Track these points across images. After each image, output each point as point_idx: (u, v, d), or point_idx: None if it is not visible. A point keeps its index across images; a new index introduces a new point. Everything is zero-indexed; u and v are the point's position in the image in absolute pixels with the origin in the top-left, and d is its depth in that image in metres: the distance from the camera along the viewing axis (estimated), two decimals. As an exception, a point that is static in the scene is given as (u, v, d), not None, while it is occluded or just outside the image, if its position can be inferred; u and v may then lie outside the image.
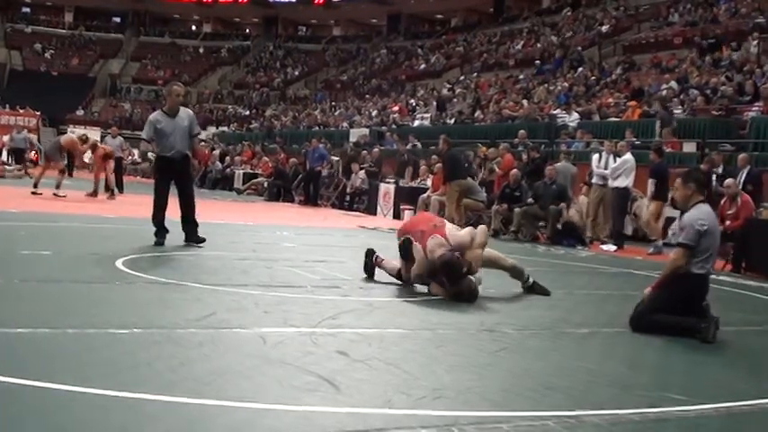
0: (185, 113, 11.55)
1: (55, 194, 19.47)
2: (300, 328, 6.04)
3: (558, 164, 19.17)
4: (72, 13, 70.43)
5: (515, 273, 8.79)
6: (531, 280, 8.79)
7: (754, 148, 19.64)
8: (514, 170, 19.14)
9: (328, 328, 6.13)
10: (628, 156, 17.34)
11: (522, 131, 25.25)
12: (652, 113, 24.22)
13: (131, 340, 5.28)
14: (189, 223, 11.42)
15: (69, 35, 68.86)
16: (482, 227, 8.63)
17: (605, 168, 17.71)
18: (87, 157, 24.21)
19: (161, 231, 11.19)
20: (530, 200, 17.78)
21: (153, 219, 11.24)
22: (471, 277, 8.00)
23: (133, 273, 8.24)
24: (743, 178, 15.69)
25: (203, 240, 11.31)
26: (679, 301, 7.28)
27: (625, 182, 17.12)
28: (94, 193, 20.85)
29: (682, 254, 7.30)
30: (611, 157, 17.75)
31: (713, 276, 12.73)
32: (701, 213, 7.35)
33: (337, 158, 28.08)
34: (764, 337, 7.76)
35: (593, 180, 18.01)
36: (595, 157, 18.34)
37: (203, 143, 42.85)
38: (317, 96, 56.29)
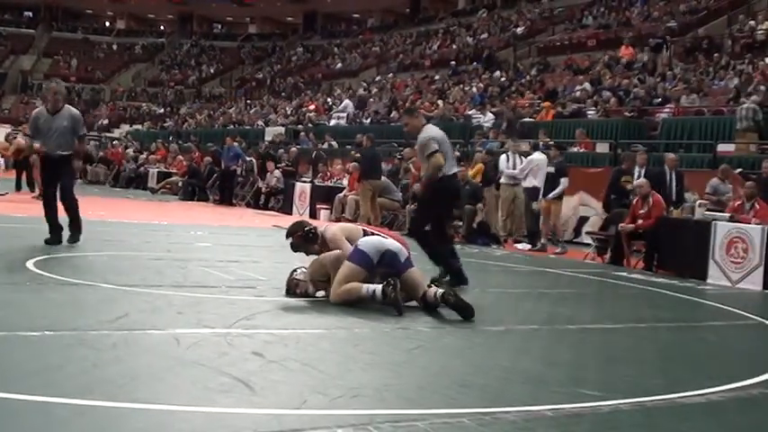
0: (68, 113, 11.28)
1: None
2: (215, 329, 5.98)
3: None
4: (-18, 7, 68.96)
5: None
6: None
7: (665, 149, 20.04)
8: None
9: (243, 329, 6.08)
10: (534, 155, 17.57)
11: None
12: (566, 114, 24.60)
13: (42, 343, 5.17)
14: (70, 223, 11.22)
15: (-22, 30, 67.39)
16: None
17: (513, 168, 17.93)
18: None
19: (52, 229, 10.95)
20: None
21: (44, 217, 11.05)
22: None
23: (44, 273, 8.08)
24: (673, 180, 15.95)
25: (77, 241, 11.07)
26: (445, 199, 10.03)
27: (533, 181, 17.29)
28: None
29: (439, 156, 9.56)
30: (518, 157, 17.98)
31: (626, 275, 13.00)
32: (431, 130, 10.02)
33: (250, 158, 27.83)
34: (676, 333, 7.90)
35: (503, 180, 18.20)
36: (503, 157, 18.52)
37: (116, 141, 42.29)
38: (237, 92, 55.95)
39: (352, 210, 19.87)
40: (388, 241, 7.83)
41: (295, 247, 8.06)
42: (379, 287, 7.31)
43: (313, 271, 7.88)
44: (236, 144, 26.76)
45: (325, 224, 8.48)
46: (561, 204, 17.16)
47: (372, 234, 8.12)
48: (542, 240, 16.89)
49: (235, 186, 26.33)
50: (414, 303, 7.74)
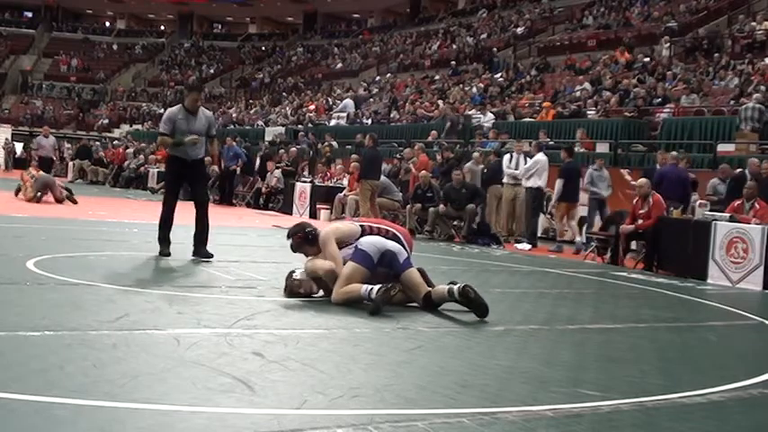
0: None
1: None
2: (215, 329, 5.98)
3: (469, 163, 19.32)
4: (-18, 7, 68.94)
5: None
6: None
7: (665, 149, 20.05)
8: (423, 171, 19.27)
9: (243, 329, 6.08)
10: (539, 156, 17.60)
11: (433, 131, 25.55)
12: (566, 114, 24.62)
13: (42, 343, 5.17)
14: None
15: (-21, 30, 67.37)
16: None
17: (516, 168, 17.96)
18: None
19: None
20: (441, 206, 17.80)
21: None
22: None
23: (44, 273, 8.08)
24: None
25: None
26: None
27: (538, 182, 17.33)
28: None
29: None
30: (522, 157, 17.99)
31: (626, 275, 13.00)
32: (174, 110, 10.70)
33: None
34: (675, 333, 7.89)
35: (504, 180, 18.22)
36: (506, 157, 18.55)
37: (116, 141, 42.29)
38: (242, 91, 56.00)
39: (352, 210, 19.87)
40: (388, 241, 7.83)
41: (294, 248, 8.10)
42: (375, 287, 7.31)
43: (309, 272, 7.88)
44: (235, 144, 26.79)
45: (325, 225, 8.48)
46: (567, 206, 17.20)
47: (372, 230, 8.12)
48: (578, 239, 16.99)
49: (235, 186, 26.36)
50: (414, 304, 7.75)
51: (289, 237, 8.09)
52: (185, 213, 10.68)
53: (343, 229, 8.15)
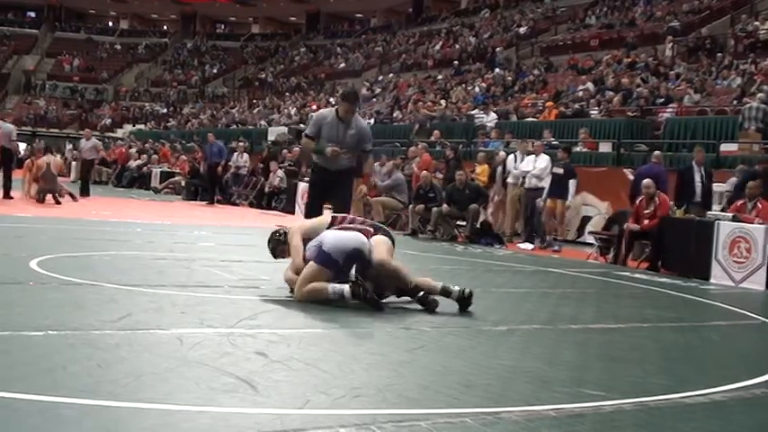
0: None
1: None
2: (218, 329, 5.98)
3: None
4: (-15, 7, 68.97)
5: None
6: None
7: (668, 149, 20.06)
8: (424, 172, 19.23)
9: (246, 329, 6.08)
10: (547, 156, 17.62)
11: (436, 131, 25.58)
12: (569, 114, 24.61)
13: (46, 343, 5.17)
14: None
15: (-18, 30, 67.41)
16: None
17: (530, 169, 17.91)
18: None
19: None
20: (444, 206, 17.75)
21: None
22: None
23: (47, 273, 8.08)
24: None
25: None
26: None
27: (547, 182, 17.32)
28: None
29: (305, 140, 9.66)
30: (529, 157, 17.95)
31: (629, 275, 13.00)
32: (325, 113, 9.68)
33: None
34: (678, 333, 7.89)
35: (509, 180, 18.18)
36: (511, 157, 18.52)
37: (120, 141, 42.32)
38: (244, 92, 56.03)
39: (359, 210, 19.86)
40: (350, 239, 7.67)
41: (273, 253, 8.15)
42: (346, 287, 7.26)
43: (285, 279, 7.92)
44: (219, 141, 26.63)
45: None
46: (564, 204, 17.34)
47: (344, 220, 8.09)
48: (548, 238, 17.07)
49: (224, 184, 26.35)
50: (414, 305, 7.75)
51: (268, 244, 8.18)
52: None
53: (310, 224, 8.16)
